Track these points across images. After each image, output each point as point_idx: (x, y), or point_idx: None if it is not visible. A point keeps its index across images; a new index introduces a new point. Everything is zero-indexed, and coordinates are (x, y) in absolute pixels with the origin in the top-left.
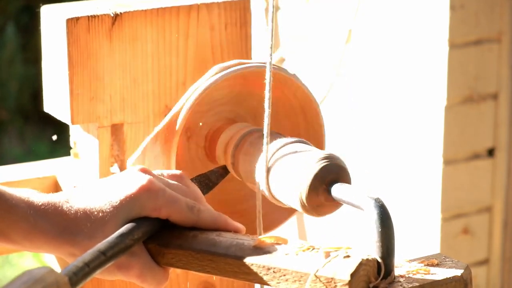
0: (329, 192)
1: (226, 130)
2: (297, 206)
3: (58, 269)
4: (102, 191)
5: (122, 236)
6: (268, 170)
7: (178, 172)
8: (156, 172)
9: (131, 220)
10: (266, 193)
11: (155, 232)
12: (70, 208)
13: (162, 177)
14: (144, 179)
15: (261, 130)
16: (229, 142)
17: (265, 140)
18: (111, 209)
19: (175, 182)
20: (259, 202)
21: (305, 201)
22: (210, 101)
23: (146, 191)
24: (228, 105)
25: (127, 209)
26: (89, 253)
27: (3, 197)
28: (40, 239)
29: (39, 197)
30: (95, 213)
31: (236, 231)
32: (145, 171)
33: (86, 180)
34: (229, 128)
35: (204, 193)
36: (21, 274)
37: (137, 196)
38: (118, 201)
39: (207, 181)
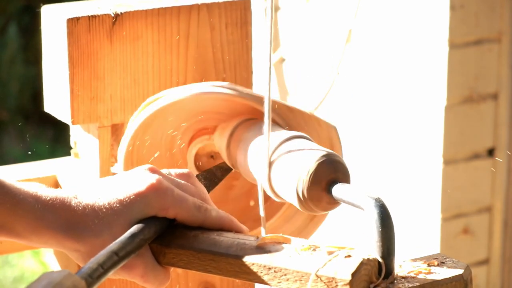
0: (328, 190)
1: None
2: (295, 202)
3: (59, 269)
4: (111, 188)
5: (134, 236)
6: (270, 165)
7: (186, 170)
8: (164, 171)
9: (139, 220)
10: (268, 190)
11: (163, 232)
12: (78, 203)
13: (171, 176)
14: (153, 178)
15: (256, 119)
16: (225, 130)
17: (267, 141)
18: (120, 207)
19: (183, 181)
20: (261, 201)
21: (304, 197)
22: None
23: (155, 190)
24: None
25: (135, 208)
26: (102, 254)
27: (11, 192)
28: (47, 234)
29: (47, 192)
30: (104, 210)
31: (240, 232)
32: (153, 170)
33: (87, 180)
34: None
35: (209, 189)
36: (39, 277)
37: (146, 195)
38: (127, 199)
39: (212, 177)
